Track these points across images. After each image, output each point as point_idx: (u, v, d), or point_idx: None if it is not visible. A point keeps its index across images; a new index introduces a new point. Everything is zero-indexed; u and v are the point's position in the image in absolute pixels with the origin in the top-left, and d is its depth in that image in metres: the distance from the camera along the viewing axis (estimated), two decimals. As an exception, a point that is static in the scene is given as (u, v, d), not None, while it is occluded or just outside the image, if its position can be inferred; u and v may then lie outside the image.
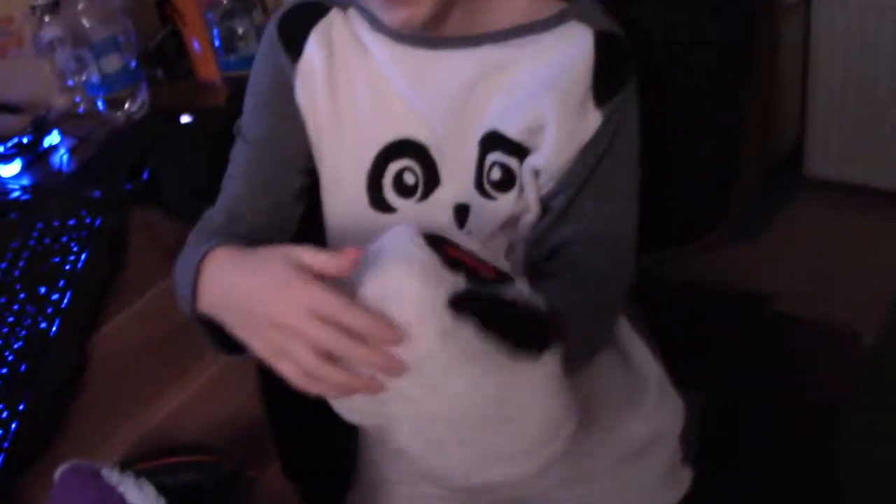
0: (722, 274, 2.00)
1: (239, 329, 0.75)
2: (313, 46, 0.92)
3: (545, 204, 0.88)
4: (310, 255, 0.71)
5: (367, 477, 0.99)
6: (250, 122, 0.98)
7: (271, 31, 0.96)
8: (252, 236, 0.90)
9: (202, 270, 0.79)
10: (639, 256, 1.21)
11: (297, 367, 0.69)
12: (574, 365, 0.80)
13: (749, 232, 2.32)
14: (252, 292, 0.73)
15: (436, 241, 0.70)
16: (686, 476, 0.99)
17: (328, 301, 0.68)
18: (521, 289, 0.71)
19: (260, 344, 0.72)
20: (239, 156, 0.99)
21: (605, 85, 0.85)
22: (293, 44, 0.93)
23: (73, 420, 0.89)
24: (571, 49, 0.85)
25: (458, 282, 0.67)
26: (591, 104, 0.84)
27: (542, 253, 0.89)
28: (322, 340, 0.67)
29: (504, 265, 0.75)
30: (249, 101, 0.99)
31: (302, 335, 0.68)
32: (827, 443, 1.15)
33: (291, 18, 0.95)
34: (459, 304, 0.66)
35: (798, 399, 1.22)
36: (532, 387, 0.71)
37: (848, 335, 1.78)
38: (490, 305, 0.68)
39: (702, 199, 1.19)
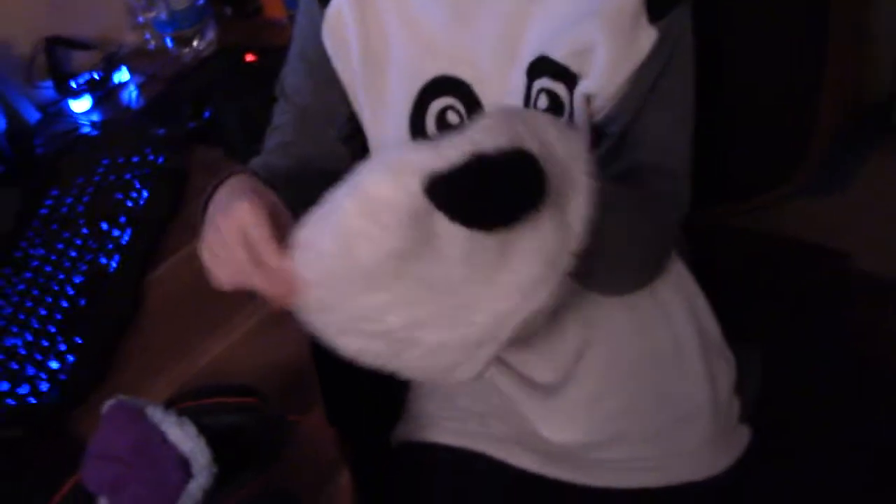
0: (802, 227, 1.94)
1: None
2: None
3: (600, 131, 0.84)
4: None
5: (415, 412, 0.99)
6: (289, 75, 0.98)
7: None
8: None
9: (217, 189, 0.82)
10: (714, 206, 1.17)
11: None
12: (626, 276, 0.80)
13: (832, 184, 2.22)
14: (219, 205, 0.77)
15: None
16: (743, 434, 0.95)
17: (257, 231, 0.69)
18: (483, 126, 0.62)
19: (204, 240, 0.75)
20: (280, 109, 0.99)
21: (658, 0, 0.79)
22: None
23: (126, 357, 0.91)
24: None
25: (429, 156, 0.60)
26: (644, 21, 0.79)
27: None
28: (234, 253, 0.70)
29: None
30: (290, 54, 0.98)
31: (223, 237, 0.71)
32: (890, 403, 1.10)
33: None
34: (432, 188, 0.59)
35: (867, 358, 1.18)
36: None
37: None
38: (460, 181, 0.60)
39: (777, 147, 1.14)
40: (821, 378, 1.06)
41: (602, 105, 0.82)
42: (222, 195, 0.79)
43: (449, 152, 0.59)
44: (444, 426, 0.97)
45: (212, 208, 0.79)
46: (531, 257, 0.63)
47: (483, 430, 0.95)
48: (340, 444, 0.76)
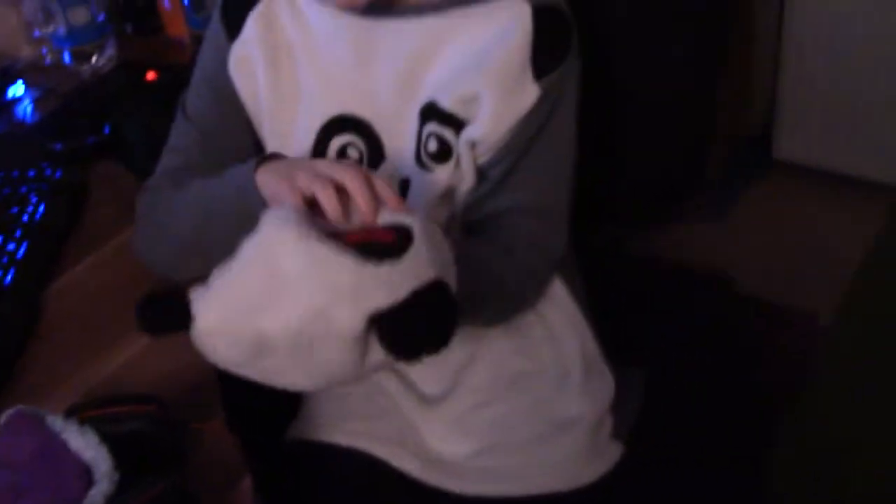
0: (686, 252, 2.04)
1: (276, 187, 0.79)
2: (251, 26, 0.94)
3: (482, 174, 0.90)
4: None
5: (310, 411, 1.01)
6: (193, 98, 1.00)
7: (216, 8, 0.98)
8: None
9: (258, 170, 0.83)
10: (605, 228, 1.22)
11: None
12: (488, 320, 0.86)
13: (716, 212, 2.35)
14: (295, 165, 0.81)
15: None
16: (615, 450, 1.00)
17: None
18: (418, 246, 0.69)
19: (285, 187, 0.77)
20: (179, 129, 1.00)
21: (543, 59, 0.85)
22: (233, 24, 0.95)
23: (25, 369, 0.90)
24: (511, 22, 0.86)
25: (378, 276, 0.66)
26: (529, 77, 0.85)
27: (477, 220, 0.91)
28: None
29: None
30: (194, 77, 1.01)
31: (319, 175, 0.76)
32: (772, 423, 1.17)
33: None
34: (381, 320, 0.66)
35: (748, 379, 1.25)
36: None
37: (805, 317, 1.82)
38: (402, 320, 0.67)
39: (667, 174, 1.20)
40: (702, 399, 1.13)
41: (485, 151, 0.88)
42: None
43: (399, 293, 0.65)
44: (336, 426, 0.99)
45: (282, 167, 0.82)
46: None
47: (370, 431, 0.98)
48: (241, 450, 0.77)
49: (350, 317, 0.64)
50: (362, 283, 0.65)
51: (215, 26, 0.97)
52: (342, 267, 0.65)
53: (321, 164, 0.79)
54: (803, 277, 2.09)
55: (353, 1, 0.85)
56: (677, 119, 1.11)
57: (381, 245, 0.68)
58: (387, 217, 0.74)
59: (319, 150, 0.93)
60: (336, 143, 0.93)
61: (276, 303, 0.65)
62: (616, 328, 1.06)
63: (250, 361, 0.68)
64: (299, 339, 0.65)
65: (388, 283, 0.65)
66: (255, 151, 0.98)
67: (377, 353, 0.67)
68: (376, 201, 0.74)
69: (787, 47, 2.28)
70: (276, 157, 0.88)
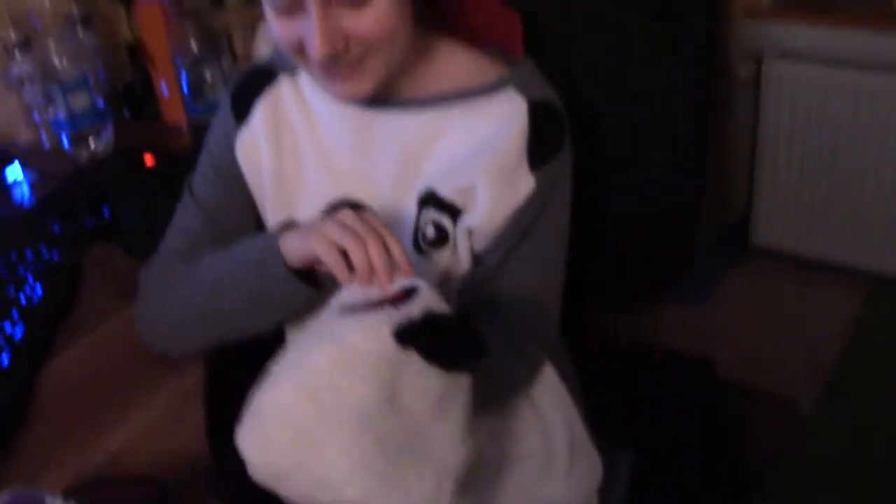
0: (667, 337, 2.07)
1: (303, 241, 0.82)
2: (259, 112, 0.98)
3: (479, 260, 0.93)
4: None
5: None
6: (200, 181, 1.03)
7: (225, 96, 1.01)
8: None
9: (280, 240, 0.85)
10: (589, 314, 1.25)
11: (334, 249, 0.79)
12: (481, 406, 0.84)
13: (696, 297, 2.39)
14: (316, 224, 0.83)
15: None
16: None
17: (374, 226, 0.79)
18: (426, 294, 0.76)
19: (316, 239, 0.80)
20: (186, 210, 1.03)
21: (538, 151, 0.89)
22: (241, 110, 0.99)
23: (22, 450, 0.90)
24: (507, 116, 0.90)
25: (390, 316, 0.72)
26: (524, 169, 0.89)
27: (473, 304, 0.93)
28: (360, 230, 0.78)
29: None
30: (202, 160, 1.04)
31: (349, 231, 0.78)
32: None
33: (242, 85, 1.00)
34: (401, 336, 0.71)
35: (730, 461, 1.27)
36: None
37: (785, 402, 1.85)
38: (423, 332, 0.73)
39: (654, 261, 1.23)
40: (686, 480, 1.14)
41: (482, 238, 0.91)
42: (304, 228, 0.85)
43: (410, 310, 0.72)
44: None
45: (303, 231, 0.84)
46: (458, 411, 0.75)
47: None
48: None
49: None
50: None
51: (224, 111, 1.01)
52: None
53: (347, 217, 0.81)
54: (782, 360, 2.12)
55: (354, 95, 0.89)
56: (665, 207, 1.15)
57: (395, 302, 0.75)
58: (399, 281, 0.78)
59: None
60: None
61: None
62: (602, 411, 1.08)
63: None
64: None
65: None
66: (258, 233, 1.01)
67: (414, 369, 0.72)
68: (393, 267, 0.78)
69: (763, 139, 2.36)
70: (289, 227, 0.89)
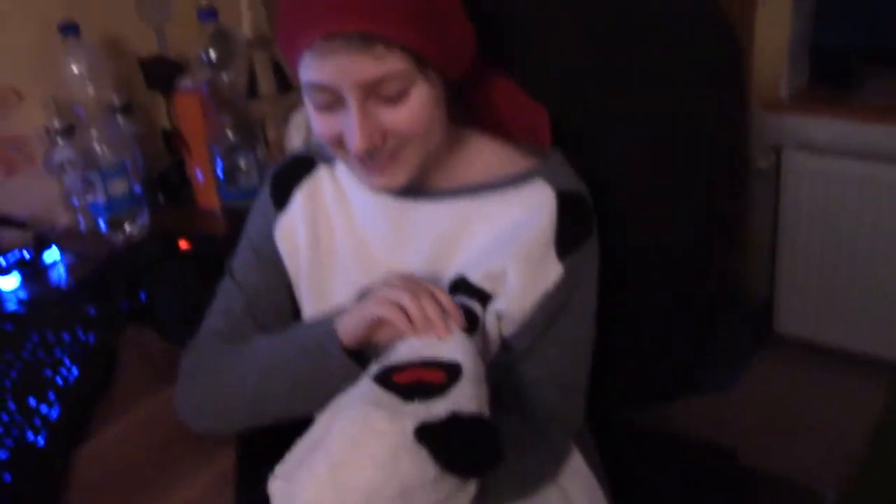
0: (690, 425, 2.05)
1: (360, 312, 0.89)
2: (298, 200, 1.02)
3: (507, 345, 0.94)
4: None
5: None
6: (240, 265, 1.06)
7: (266, 183, 1.06)
8: None
9: (336, 323, 0.91)
10: (617, 409, 1.25)
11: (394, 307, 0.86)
12: (511, 493, 0.89)
13: (719, 385, 2.37)
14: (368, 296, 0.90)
15: (385, 378, 0.81)
16: None
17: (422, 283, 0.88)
18: (463, 383, 0.81)
19: (374, 303, 0.88)
20: (226, 293, 1.06)
21: (566, 240, 0.92)
22: (281, 197, 1.03)
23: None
24: (536, 205, 0.93)
25: (417, 411, 0.78)
26: (553, 257, 0.92)
27: (501, 389, 0.94)
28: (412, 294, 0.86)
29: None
30: (242, 245, 1.08)
31: (402, 290, 0.87)
32: None
33: (282, 173, 1.05)
34: (420, 433, 0.76)
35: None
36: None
37: (809, 492, 1.82)
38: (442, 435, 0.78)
39: (678, 353, 1.24)
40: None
41: (511, 324, 0.93)
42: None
43: (437, 408, 0.77)
44: None
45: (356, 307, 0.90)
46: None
47: None
48: None
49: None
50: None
51: (264, 197, 1.05)
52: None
53: (395, 280, 0.89)
54: (806, 450, 2.10)
55: (388, 187, 0.92)
56: (686, 301, 1.17)
57: (430, 385, 0.80)
58: (444, 352, 0.83)
59: None
60: None
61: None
62: (626, 498, 1.08)
63: None
64: None
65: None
66: (294, 315, 1.04)
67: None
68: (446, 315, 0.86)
69: (783, 228, 2.39)
70: (339, 314, 0.93)
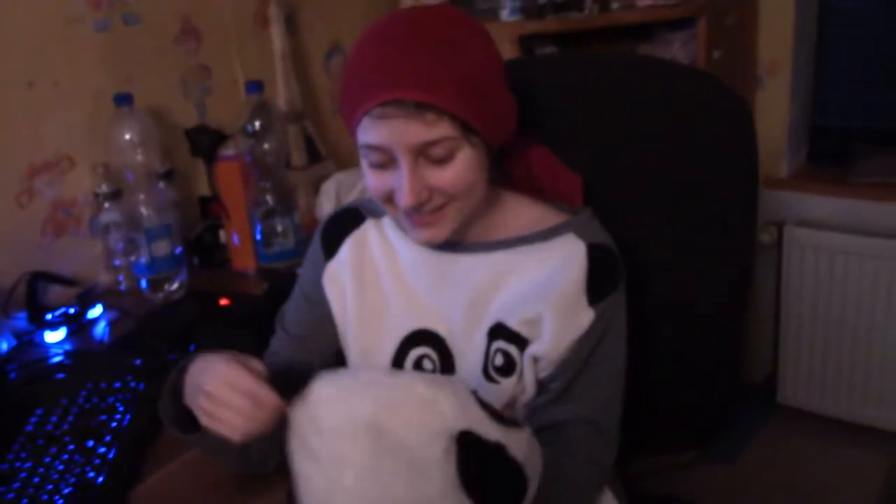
0: (695, 495, 2.09)
1: (190, 401, 0.96)
2: (346, 248, 1.11)
3: (543, 386, 1.02)
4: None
5: None
6: (291, 308, 1.15)
7: (317, 233, 1.15)
8: None
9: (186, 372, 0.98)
10: (635, 460, 1.31)
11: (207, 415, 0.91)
12: None
13: (723, 455, 2.42)
14: (199, 375, 0.94)
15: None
16: None
17: (237, 374, 0.90)
18: (522, 438, 0.88)
19: (197, 408, 0.93)
20: (277, 337, 1.15)
21: (596, 288, 1.00)
22: (331, 246, 1.12)
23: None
24: (568, 257, 1.01)
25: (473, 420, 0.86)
26: (584, 304, 0.99)
27: (537, 428, 1.01)
28: (222, 397, 0.90)
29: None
30: (295, 291, 1.16)
31: (213, 395, 0.90)
32: None
33: (333, 224, 1.14)
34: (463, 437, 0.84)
35: None
36: None
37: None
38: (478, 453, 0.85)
39: (698, 414, 1.29)
40: None
41: (546, 366, 1.01)
42: (194, 371, 0.96)
43: (490, 433, 0.85)
44: None
45: (190, 383, 0.96)
46: None
47: None
48: None
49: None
50: None
51: (315, 246, 1.14)
52: None
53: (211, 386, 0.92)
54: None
55: (432, 240, 1.01)
56: (712, 361, 1.23)
57: (497, 413, 0.89)
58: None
59: (399, 359, 1.06)
60: (413, 354, 1.06)
61: None
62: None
63: None
64: None
65: None
66: (338, 359, 1.12)
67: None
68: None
69: (786, 301, 2.46)
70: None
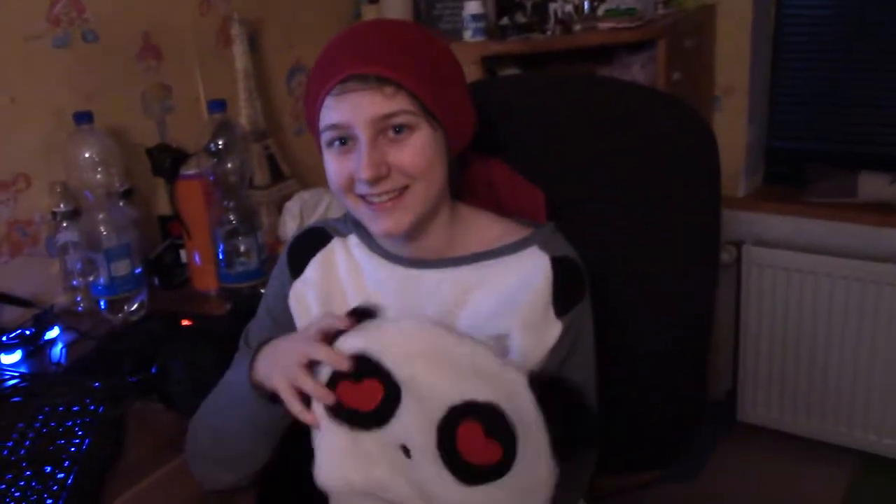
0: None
1: (267, 373, 0.98)
2: (312, 268, 1.11)
3: None
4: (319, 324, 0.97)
5: None
6: (255, 327, 1.15)
7: (284, 252, 1.15)
8: None
9: (258, 355, 1.01)
10: (597, 480, 1.31)
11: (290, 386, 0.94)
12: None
13: (685, 472, 2.44)
14: (279, 351, 0.99)
15: None
16: None
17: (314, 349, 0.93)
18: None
19: (277, 376, 0.96)
20: (241, 355, 1.14)
21: (563, 300, 1.01)
22: (297, 266, 1.12)
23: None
24: (533, 271, 1.02)
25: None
26: (552, 316, 1.01)
27: None
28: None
29: None
30: (260, 308, 1.16)
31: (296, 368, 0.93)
32: None
33: (299, 243, 1.14)
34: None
35: None
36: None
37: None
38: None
39: (661, 433, 1.30)
40: None
41: None
42: (269, 351, 1.00)
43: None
44: None
45: (269, 358, 0.99)
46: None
47: None
48: None
49: None
50: None
51: (282, 265, 1.13)
52: None
53: (302, 347, 0.95)
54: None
55: (395, 229, 0.99)
56: (677, 381, 1.24)
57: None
58: None
59: None
60: None
61: None
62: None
63: None
64: None
65: None
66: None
67: None
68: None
69: (745, 319, 2.50)
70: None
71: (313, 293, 1.09)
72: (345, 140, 0.97)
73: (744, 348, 2.53)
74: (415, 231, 1.02)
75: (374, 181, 0.96)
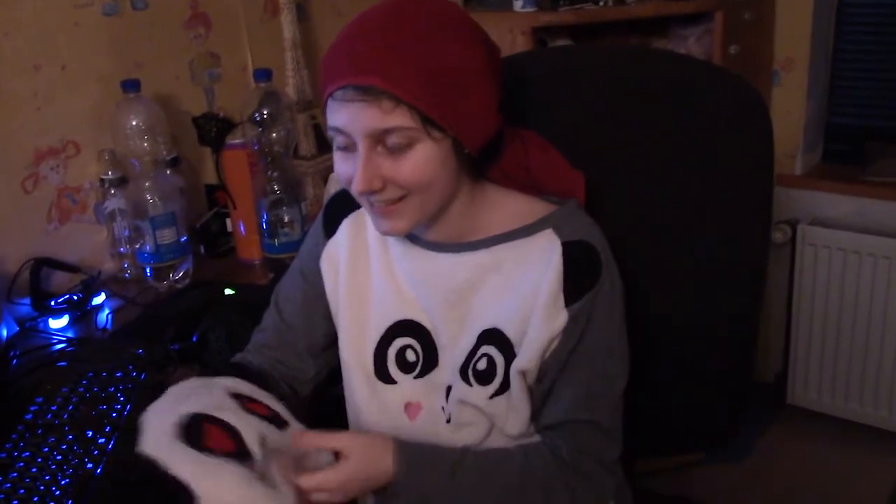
0: (704, 492, 2.07)
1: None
2: (344, 228, 1.11)
3: (531, 392, 1.00)
4: None
5: None
6: (286, 284, 1.17)
7: (321, 212, 1.15)
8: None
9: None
10: (652, 457, 1.28)
11: None
12: None
13: (733, 454, 2.40)
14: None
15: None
16: None
17: None
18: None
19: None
20: (269, 312, 1.17)
21: (572, 288, 0.97)
22: (330, 226, 1.13)
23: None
24: (545, 256, 0.98)
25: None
26: (560, 304, 0.97)
27: (542, 427, 1.02)
28: None
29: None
30: (293, 264, 1.18)
31: None
32: None
33: (334, 204, 1.14)
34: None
35: None
36: None
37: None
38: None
39: (709, 415, 1.26)
40: None
41: (532, 372, 0.99)
42: None
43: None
44: None
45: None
46: None
47: None
48: None
49: None
50: None
51: (318, 225, 1.14)
52: None
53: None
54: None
55: (391, 231, 0.98)
56: (724, 363, 1.21)
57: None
58: None
59: (382, 347, 1.07)
60: (397, 343, 1.06)
61: None
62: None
63: None
64: None
65: None
66: (324, 342, 1.14)
67: None
68: None
69: (798, 300, 2.44)
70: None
71: (344, 254, 1.10)
72: (346, 143, 0.95)
73: (795, 330, 2.47)
74: (420, 226, 1.01)
75: (368, 194, 0.95)
